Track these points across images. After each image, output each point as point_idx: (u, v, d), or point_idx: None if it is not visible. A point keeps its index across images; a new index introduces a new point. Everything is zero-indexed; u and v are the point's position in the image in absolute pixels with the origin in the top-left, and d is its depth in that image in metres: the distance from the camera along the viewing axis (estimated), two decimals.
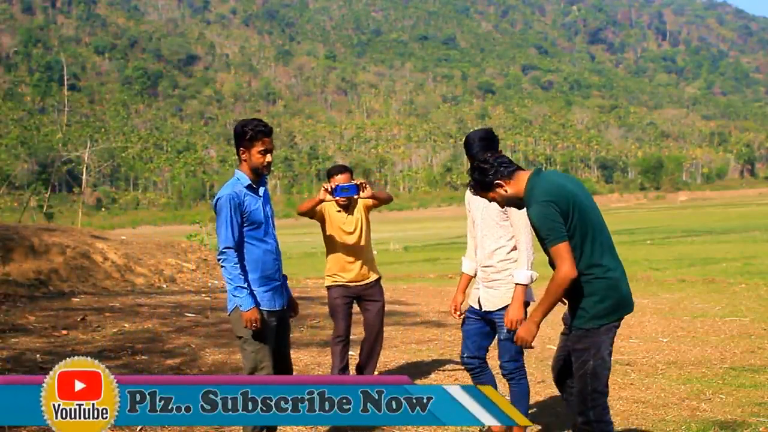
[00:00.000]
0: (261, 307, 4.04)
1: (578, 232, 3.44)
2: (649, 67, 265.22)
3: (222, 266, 4.01)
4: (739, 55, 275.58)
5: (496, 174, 3.58)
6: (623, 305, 3.53)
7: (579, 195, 3.51)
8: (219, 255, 4.01)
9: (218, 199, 4.03)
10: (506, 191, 3.60)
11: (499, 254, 4.33)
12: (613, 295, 3.46)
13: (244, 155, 4.07)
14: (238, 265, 3.99)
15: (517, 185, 3.57)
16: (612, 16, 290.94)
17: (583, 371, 3.48)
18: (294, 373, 6.40)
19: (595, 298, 3.45)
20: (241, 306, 3.97)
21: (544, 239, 3.45)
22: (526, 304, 4.32)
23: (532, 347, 3.68)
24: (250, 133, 4.03)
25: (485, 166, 3.60)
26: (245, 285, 3.99)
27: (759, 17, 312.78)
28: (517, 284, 4.24)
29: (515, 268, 4.27)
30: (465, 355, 4.48)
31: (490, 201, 3.71)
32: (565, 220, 3.42)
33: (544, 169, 3.70)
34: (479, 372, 4.45)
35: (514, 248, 4.31)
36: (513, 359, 4.35)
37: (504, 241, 4.32)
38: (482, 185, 3.63)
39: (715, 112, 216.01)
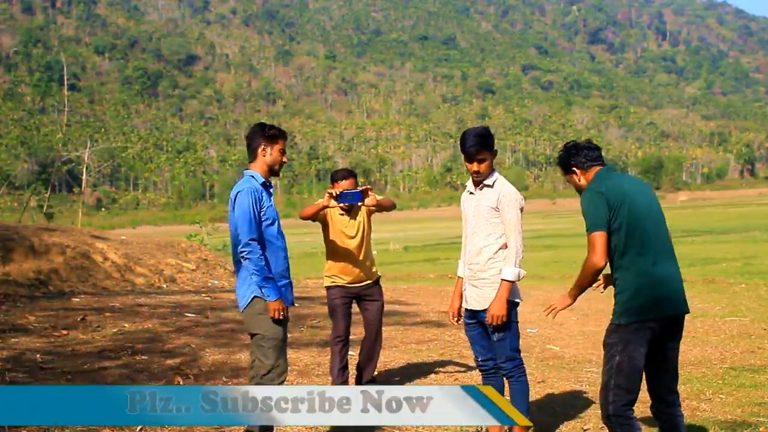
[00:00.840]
0: None
1: (625, 228, 3.50)
2: (649, 67, 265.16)
3: (247, 258, 3.99)
4: (739, 55, 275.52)
5: (576, 162, 3.78)
6: (660, 305, 3.51)
7: (635, 196, 3.59)
8: (243, 247, 3.99)
9: (238, 192, 4.05)
10: (579, 180, 3.79)
11: (487, 252, 4.33)
12: (648, 293, 3.47)
13: (264, 151, 4.18)
14: (263, 257, 4.02)
15: (588, 178, 3.75)
16: (612, 16, 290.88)
17: (609, 365, 3.52)
18: (294, 373, 6.41)
19: (628, 294, 3.48)
20: (268, 296, 4.00)
21: (586, 225, 3.58)
22: (515, 304, 4.34)
23: (557, 311, 3.82)
24: (274, 131, 4.25)
25: (573, 151, 3.81)
26: (272, 275, 4.04)
27: (759, 17, 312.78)
28: (503, 280, 4.25)
29: (504, 265, 4.28)
30: (479, 359, 4.52)
31: (566, 181, 3.91)
32: (611, 212, 3.50)
33: (617, 168, 3.83)
34: (493, 374, 4.47)
35: (502, 248, 4.32)
36: (510, 358, 4.35)
37: (493, 239, 4.32)
38: (562, 164, 3.86)
39: (715, 112, 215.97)
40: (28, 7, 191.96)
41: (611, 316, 3.61)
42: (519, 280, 4.28)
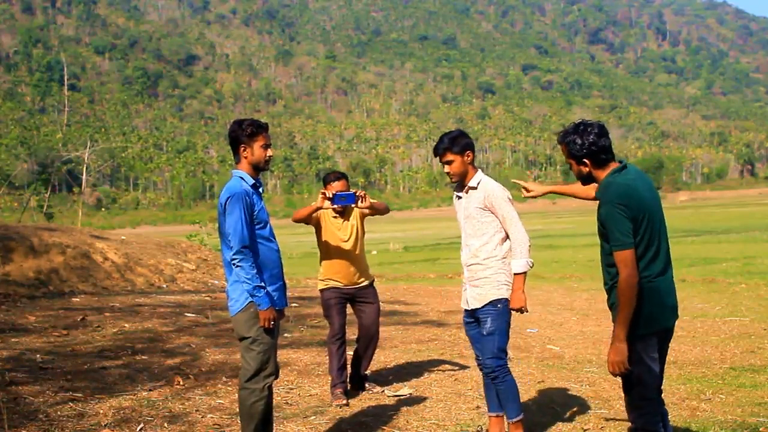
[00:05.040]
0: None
1: (644, 241, 3.42)
2: (649, 67, 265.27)
3: (239, 266, 3.93)
4: (739, 55, 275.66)
5: (594, 159, 3.50)
6: (667, 315, 3.50)
7: (652, 204, 3.48)
8: (236, 254, 3.92)
9: (230, 196, 3.95)
10: (586, 172, 3.55)
11: (484, 251, 4.37)
12: (652, 305, 3.44)
13: (245, 152, 4.07)
14: (255, 265, 3.97)
15: (599, 173, 3.53)
16: (612, 16, 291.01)
17: (629, 379, 3.49)
18: (294, 373, 6.41)
19: (639, 305, 3.41)
20: (260, 305, 3.94)
21: (611, 242, 3.42)
22: (510, 308, 4.37)
23: (630, 369, 3.41)
24: (251, 129, 4.06)
25: (593, 148, 3.47)
26: (263, 284, 3.97)
27: (759, 17, 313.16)
28: (516, 274, 4.29)
29: (512, 259, 4.32)
30: (480, 358, 4.54)
31: (566, 162, 3.64)
32: (633, 224, 3.38)
33: (626, 162, 3.57)
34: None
35: (498, 244, 4.35)
36: (496, 356, 4.36)
37: (487, 237, 4.37)
38: (572, 147, 3.53)
39: (715, 112, 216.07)
40: (28, 7, 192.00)
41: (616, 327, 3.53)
42: (530, 269, 4.33)
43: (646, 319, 3.44)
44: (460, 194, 4.48)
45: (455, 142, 4.37)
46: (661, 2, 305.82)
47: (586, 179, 3.60)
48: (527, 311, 4.39)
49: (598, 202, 3.55)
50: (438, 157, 4.44)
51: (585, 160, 3.52)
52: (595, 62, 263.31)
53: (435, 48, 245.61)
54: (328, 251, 5.69)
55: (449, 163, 4.37)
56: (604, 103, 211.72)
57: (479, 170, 4.44)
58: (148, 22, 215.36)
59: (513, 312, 4.38)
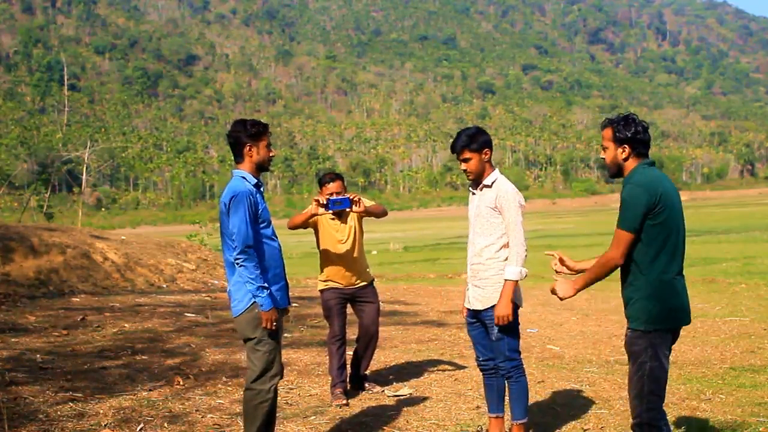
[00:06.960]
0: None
1: (662, 233, 3.46)
2: (649, 67, 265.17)
3: (242, 265, 3.92)
4: (739, 55, 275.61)
5: (637, 147, 3.59)
6: (679, 315, 3.54)
7: (674, 200, 3.53)
8: (240, 254, 3.91)
9: (234, 196, 3.95)
10: (622, 157, 3.60)
11: (488, 252, 4.35)
12: (670, 301, 3.47)
13: (250, 152, 4.08)
14: (258, 265, 3.96)
15: (631, 163, 3.60)
16: (612, 16, 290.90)
17: (640, 372, 3.49)
18: (294, 373, 6.42)
19: (654, 301, 3.46)
20: (262, 306, 3.93)
21: (618, 220, 3.51)
22: (516, 306, 4.33)
23: (561, 299, 3.74)
24: (256, 129, 4.09)
25: (643, 136, 3.59)
26: (265, 284, 3.97)
27: (759, 17, 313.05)
28: (506, 280, 4.27)
29: (506, 265, 4.29)
30: (480, 358, 4.54)
31: (603, 149, 3.67)
32: (649, 211, 3.43)
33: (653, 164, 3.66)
34: (493, 373, 4.50)
35: (503, 247, 4.33)
36: (509, 358, 4.36)
37: (494, 238, 4.34)
38: (618, 131, 3.59)
39: (715, 112, 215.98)
40: (28, 7, 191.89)
41: (631, 322, 3.54)
42: (522, 278, 4.29)
43: (667, 315, 3.48)
44: (474, 191, 4.46)
45: (474, 140, 4.32)
46: (661, 2, 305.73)
47: (617, 169, 3.64)
48: (510, 321, 4.28)
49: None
50: (455, 155, 4.39)
51: (626, 145, 3.58)
52: (595, 62, 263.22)
53: (435, 48, 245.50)
54: (327, 253, 5.69)
55: (467, 161, 4.33)
56: (604, 103, 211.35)
57: (496, 169, 4.40)
58: (148, 22, 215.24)
59: (497, 319, 4.28)
